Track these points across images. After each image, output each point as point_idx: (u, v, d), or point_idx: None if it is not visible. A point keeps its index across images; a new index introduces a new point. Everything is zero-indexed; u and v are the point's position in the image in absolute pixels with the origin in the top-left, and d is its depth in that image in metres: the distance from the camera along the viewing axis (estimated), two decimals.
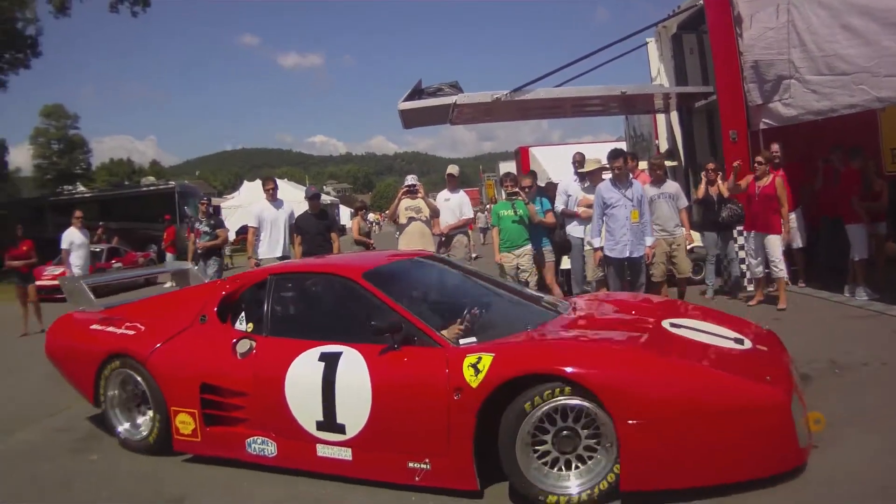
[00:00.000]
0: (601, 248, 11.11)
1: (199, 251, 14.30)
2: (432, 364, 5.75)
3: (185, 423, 6.95)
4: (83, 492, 6.30)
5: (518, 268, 12.04)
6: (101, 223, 35.68)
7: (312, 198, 13.40)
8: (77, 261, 15.46)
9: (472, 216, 14.27)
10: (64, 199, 48.65)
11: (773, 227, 12.13)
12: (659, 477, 5.19)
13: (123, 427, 7.55)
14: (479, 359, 5.54)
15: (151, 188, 47.17)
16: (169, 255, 27.25)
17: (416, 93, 16.08)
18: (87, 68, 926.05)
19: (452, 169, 14.76)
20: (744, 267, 13.52)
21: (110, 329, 7.81)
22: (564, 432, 5.36)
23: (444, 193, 14.06)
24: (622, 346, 5.94)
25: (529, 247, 12.15)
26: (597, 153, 13.35)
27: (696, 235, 13.77)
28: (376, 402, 5.93)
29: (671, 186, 12.60)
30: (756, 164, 12.46)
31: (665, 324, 6.52)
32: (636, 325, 6.55)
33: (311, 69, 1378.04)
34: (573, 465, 5.42)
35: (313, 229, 12.79)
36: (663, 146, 19.50)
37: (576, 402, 5.29)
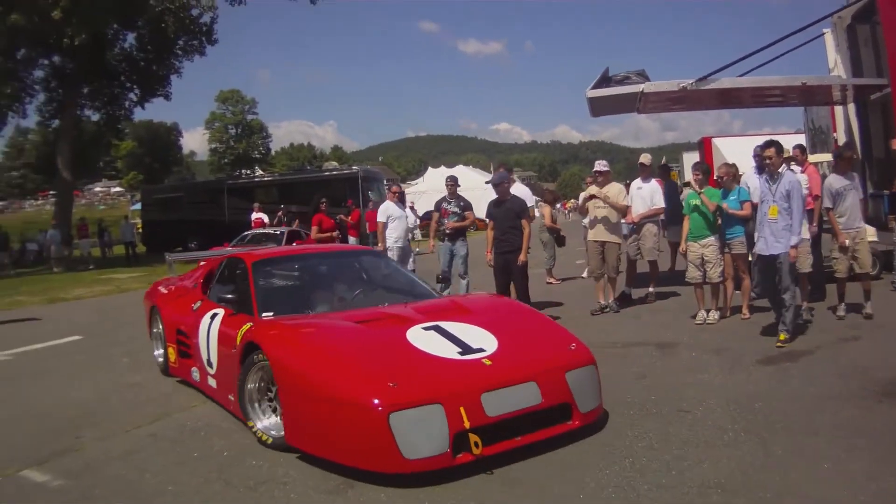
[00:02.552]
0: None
1: (447, 231, 14.21)
2: (239, 327, 7.75)
3: (171, 354, 9.98)
4: (257, 468, 6.51)
5: (703, 258, 11.93)
6: (281, 206, 36.67)
7: (497, 184, 13.02)
8: (393, 233, 15.20)
9: (663, 205, 14.42)
10: (241, 183, 49.77)
11: None
12: (304, 441, 6.48)
13: (158, 352, 10.70)
14: (245, 327, 7.63)
15: (335, 172, 48.09)
16: (352, 239, 27.64)
17: (604, 80, 16.09)
18: (264, 55, 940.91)
19: (644, 158, 15.05)
20: None
21: (160, 289, 11.42)
22: None
23: (637, 182, 14.62)
24: (309, 334, 7.36)
25: (713, 238, 11.97)
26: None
27: (870, 230, 13.15)
28: (219, 348, 8.28)
29: (855, 178, 11.69)
30: None
31: (417, 326, 7.28)
32: (380, 324, 7.57)
33: (493, 56, 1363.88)
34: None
35: (501, 215, 12.68)
36: (841, 139, 19.25)
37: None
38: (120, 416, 8.52)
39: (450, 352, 6.73)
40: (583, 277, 18.18)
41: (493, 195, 13.00)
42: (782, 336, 10.16)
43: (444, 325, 7.29)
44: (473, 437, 5.90)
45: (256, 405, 7.19)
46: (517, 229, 12.49)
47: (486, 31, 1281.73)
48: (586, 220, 13.88)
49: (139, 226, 51.45)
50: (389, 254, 14.52)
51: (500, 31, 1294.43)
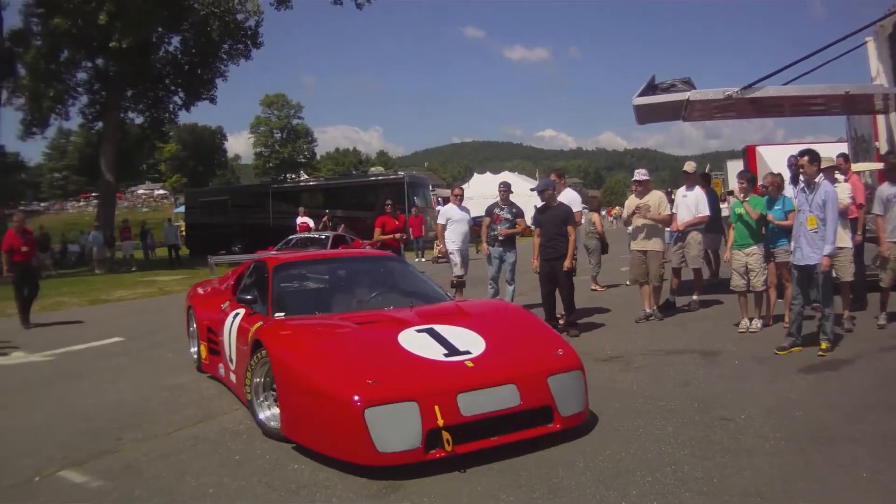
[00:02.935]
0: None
1: (500, 237, 14.02)
2: (253, 324, 8.28)
3: (203, 351, 10.51)
4: (299, 471, 6.48)
5: (747, 266, 11.91)
6: (327, 211, 36.75)
7: (541, 190, 13.07)
8: (452, 235, 15.24)
9: (708, 213, 14.44)
10: (286, 188, 50.36)
11: None
12: (295, 432, 6.92)
13: (193, 350, 11.23)
14: (256, 325, 8.15)
15: (380, 178, 48.30)
16: None
17: (650, 88, 15.93)
18: (309, 59, 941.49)
19: (689, 166, 15.06)
20: None
21: (198, 290, 12.27)
22: None
23: (682, 190, 14.60)
24: (305, 333, 7.78)
25: (757, 247, 11.92)
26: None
27: None
28: (237, 345, 8.77)
29: None
30: None
31: (411, 328, 7.63)
32: (377, 325, 7.99)
33: (538, 62, 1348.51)
34: None
35: (547, 222, 12.68)
36: (883, 148, 19.06)
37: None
38: (161, 417, 8.55)
39: (436, 353, 7.08)
40: (626, 284, 18.14)
41: (539, 201, 13.01)
42: (823, 345, 10.13)
43: (438, 328, 7.65)
44: (446, 435, 6.21)
45: (262, 398, 7.62)
46: (563, 236, 12.52)
47: (531, 37, 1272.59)
48: (630, 229, 13.82)
49: (182, 228, 51.77)
50: (451, 256, 14.81)
51: (545, 37, 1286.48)
